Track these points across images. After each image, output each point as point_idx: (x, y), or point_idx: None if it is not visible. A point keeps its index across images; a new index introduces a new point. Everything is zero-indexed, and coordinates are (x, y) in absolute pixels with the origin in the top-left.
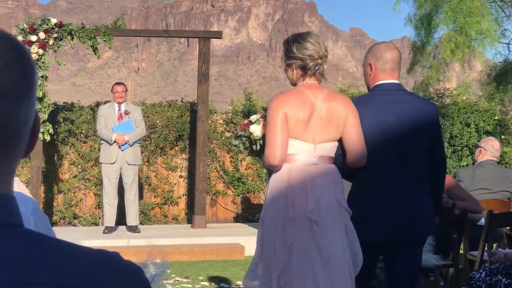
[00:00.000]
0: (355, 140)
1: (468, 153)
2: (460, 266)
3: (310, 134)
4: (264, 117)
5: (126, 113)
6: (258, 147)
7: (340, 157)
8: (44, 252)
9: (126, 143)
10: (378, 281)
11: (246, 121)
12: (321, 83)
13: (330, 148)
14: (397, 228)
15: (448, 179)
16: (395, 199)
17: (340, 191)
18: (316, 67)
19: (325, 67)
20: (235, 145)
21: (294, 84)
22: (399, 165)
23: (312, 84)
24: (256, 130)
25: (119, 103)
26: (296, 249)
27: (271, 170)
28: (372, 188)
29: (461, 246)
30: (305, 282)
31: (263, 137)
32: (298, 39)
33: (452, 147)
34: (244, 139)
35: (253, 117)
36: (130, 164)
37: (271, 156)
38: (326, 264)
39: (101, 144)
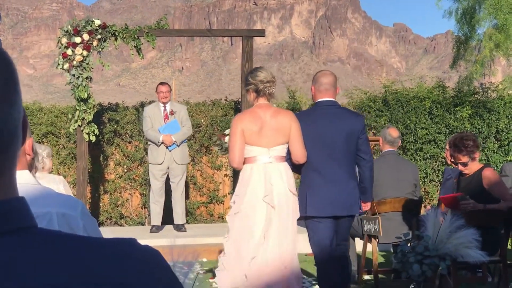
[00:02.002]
0: (297, 144)
1: None
2: (508, 262)
3: (264, 141)
4: None
5: (172, 113)
6: None
7: (288, 155)
8: (62, 250)
9: (173, 143)
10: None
11: (222, 133)
12: (270, 101)
13: (281, 150)
14: (339, 206)
15: (490, 174)
16: (331, 187)
17: (290, 181)
18: (266, 89)
19: (274, 89)
20: (216, 151)
21: (252, 104)
22: (333, 161)
23: (262, 104)
24: (228, 140)
25: (164, 103)
26: (251, 225)
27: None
28: (314, 179)
29: (509, 242)
30: (251, 248)
31: None
32: (253, 71)
33: (498, 142)
34: (221, 146)
35: (227, 131)
36: (178, 164)
37: (232, 159)
38: (272, 240)
39: (149, 145)
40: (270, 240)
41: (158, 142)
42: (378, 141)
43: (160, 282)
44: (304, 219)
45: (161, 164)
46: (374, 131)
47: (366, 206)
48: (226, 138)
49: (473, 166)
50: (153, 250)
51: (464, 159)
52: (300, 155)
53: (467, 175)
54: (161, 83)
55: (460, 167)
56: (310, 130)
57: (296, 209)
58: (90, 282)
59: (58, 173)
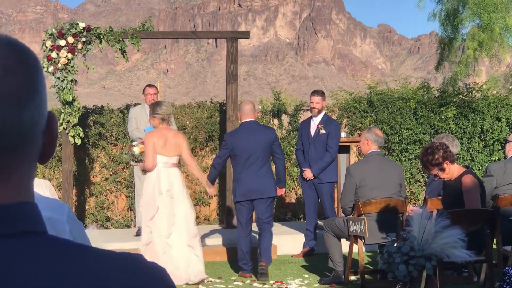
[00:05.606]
0: (186, 155)
1: (499, 148)
2: (493, 261)
3: (167, 152)
4: (142, 143)
5: None
6: (139, 158)
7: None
8: (68, 258)
9: None
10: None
11: (130, 144)
12: (168, 125)
13: (177, 159)
14: (256, 192)
15: (468, 182)
16: (254, 178)
17: (181, 179)
18: (166, 118)
19: (170, 118)
20: (126, 158)
21: (156, 127)
22: (253, 161)
23: (165, 127)
24: (136, 150)
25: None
26: (161, 210)
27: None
28: (240, 175)
29: (494, 241)
30: (165, 227)
31: (141, 154)
32: (156, 105)
33: (483, 142)
34: (129, 155)
35: (135, 143)
36: None
37: (147, 163)
38: (176, 217)
39: None
40: (175, 217)
41: None
42: (359, 142)
43: None
44: (235, 204)
45: None
46: (359, 132)
47: (281, 191)
48: (134, 148)
49: (454, 171)
50: (160, 267)
51: (433, 172)
52: (189, 162)
53: (450, 180)
54: (149, 85)
55: (438, 177)
56: (238, 142)
57: (187, 197)
58: None
59: (44, 176)
